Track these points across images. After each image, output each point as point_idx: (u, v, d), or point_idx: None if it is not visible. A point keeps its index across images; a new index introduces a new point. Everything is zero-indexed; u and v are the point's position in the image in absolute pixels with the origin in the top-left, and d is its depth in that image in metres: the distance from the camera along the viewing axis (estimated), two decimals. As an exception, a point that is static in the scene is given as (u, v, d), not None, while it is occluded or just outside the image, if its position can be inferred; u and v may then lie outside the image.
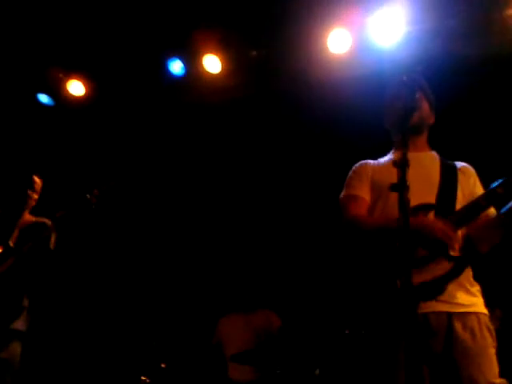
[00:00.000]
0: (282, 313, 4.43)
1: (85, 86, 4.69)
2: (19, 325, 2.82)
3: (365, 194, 2.16)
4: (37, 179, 3.04)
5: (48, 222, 2.99)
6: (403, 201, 1.60)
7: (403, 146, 1.77)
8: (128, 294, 4.79)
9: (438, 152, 2.26)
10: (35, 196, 3.05)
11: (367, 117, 3.01)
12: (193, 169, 5.05)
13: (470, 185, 2.11)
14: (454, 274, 1.92)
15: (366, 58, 4.14)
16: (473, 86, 3.98)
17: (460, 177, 2.11)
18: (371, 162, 2.29)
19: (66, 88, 4.67)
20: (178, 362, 4.09)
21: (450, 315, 1.91)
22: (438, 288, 1.90)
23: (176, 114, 4.79)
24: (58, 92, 4.69)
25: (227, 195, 5.11)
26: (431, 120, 2.26)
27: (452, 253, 1.92)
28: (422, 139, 2.23)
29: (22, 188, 2.99)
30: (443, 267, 1.91)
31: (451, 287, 1.92)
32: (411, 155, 2.05)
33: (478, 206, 1.95)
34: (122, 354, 4.31)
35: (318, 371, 3.64)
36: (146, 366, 3.93)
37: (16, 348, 2.79)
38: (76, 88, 4.71)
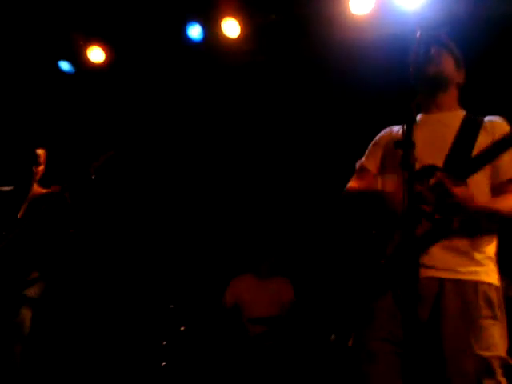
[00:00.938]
0: (295, 280, 4.43)
1: (105, 52, 4.69)
2: (31, 292, 2.90)
3: (372, 164, 2.16)
4: (40, 152, 3.07)
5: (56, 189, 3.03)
6: (406, 158, 1.55)
7: (413, 102, 1.70)
8: (142, 259, 4.86)
9: (474, 110, 2.12)
10: (40, 168, 3.09)
11: (390, 79, 2.92)
12: (211, 133, 5.02)
13: (494, 137, 1.93)
14: (437, 236, 1.81)
15: (389, 19, 4.00)
16: (498, 48, 3.80)
17: (481, 133, 1.97)
18: (394, 127, 2.22)
19: (86, 55, 4.69)
20: (196, 325, 4.15)
21: (442, 281, 1.82)
22: (429, 250, 1.82)
23: (196, 79, 4.75)
24: (78, 59, 4.72)
25: (247, 161, 5.09)
26: (457, 78, 2.14)
27: (437, 214, 1.80)
28: (448, 97, 2.11)
29: (26, 164, 3.05)
30: (427, 227, 1.80)
31: (444, 250, 1.83)
32: (432, 117, 2.05)
33: (489, 152, 1.85)
34: (140, 319, 4.39)
35: (333, 336, 3.64)
36: (166, 330, 3.99)
37: (27, 313, 2.88)
38: (96, 55, 4.72)
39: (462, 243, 1.86)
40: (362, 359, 1.86)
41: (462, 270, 1.83)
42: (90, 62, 4.70)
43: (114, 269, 4.74)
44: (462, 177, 1.84)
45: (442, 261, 1.83)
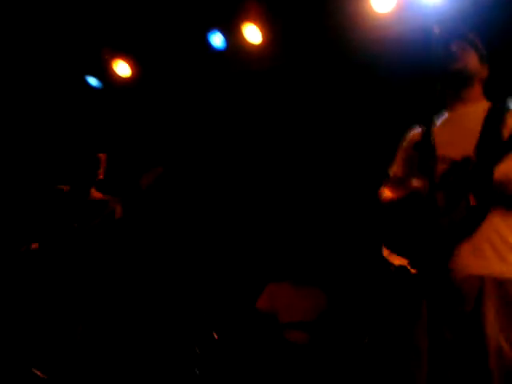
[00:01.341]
0: (329, 292, 4.39)
1: (130, 66, 4.78)
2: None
3: (399, 170, 2.15)
4: (102, 156, 3.15)
5: (112, 201, 3.11)
6: (424, 160, 1.52)
7: (435, 101, 1.68)
8: (177, 266, 4.90)
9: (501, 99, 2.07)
10: (100, 173, 3.16)
11: (415, 77, 2.88)
12: (238, 141, 5.03)
13: None
14: (474, 225, 1.77)
15: (411, 16, 3.93)
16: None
17: (509, 120, 1.92)
18: (418, 127, 2.19)
19: (112, 69, 4.79)
20: (230, 332, 4.16)
21: (483, 279, 1.78)
22: (466, 240, 1.77)
23: (221, 87, 4.77)
24: (105, 74, 4.82)
25: (277, 166, 5.07)
26: (482, 72, 2.10)
27: (472, 201, 1.77)
28: (472, 92, 2.08)
29: (87, 167, 3.11)
30: (463, 216, 1.76)
31: (483, 239, 1.79)
32: (456, 112, 2.00)
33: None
34: (174, 326, 4.43)
35: (367, 339, 3.59)
36: (199, 337, 4.02)
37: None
38: (122, 69, 4.81)
39: (496, 240, 1.82)
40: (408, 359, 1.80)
41: (502, 262, 1.80)
42: (117, 76, 4.80)
43: (150, 276, 4.80)
44: (495, 160, 1.79)
45: (483, 253, 1.80)
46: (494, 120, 1.94)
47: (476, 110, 2.02)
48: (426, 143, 1.54)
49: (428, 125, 1.57)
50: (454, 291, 1.79)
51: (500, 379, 1.68)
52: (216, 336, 3.99)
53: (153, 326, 4.47)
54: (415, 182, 1.78)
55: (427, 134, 1.56)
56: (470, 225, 1.78)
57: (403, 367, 1.82)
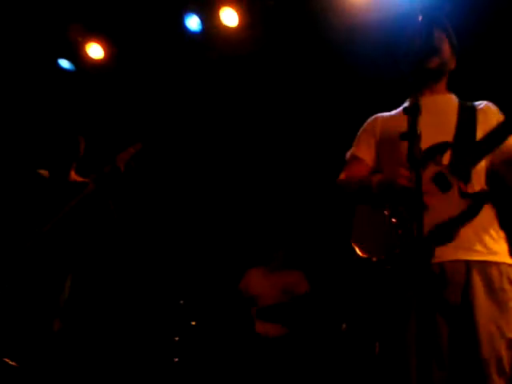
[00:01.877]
0: (310, 274, 4.41)
1: (103, 48, 4.65)
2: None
3: (366, 154, 2.13)
4: (81, 140, 3.07)
5: (92, 182, 3.02)
6: (412, 150, 1.50)
7: (416, 91, 1.66)
8: (154, 254, 4.86)
9: (457, 94, 2.12)
10: (80, 155, 3.09)
11: (387, 63, 2.87)
12: (213, 123, 4.97)
13: (492, 122, 1.94)
14: (470, 214, 1.78)
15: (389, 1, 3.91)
16: (498, 26, 3.71)
17: (480, 116, 1.97)
18: (385, 114, 2.20)
19: (85, 51, 4.65)
20: (207, 319, 4.15)
21: (468, 264, 1.80)
22: (453, 230, 1.78)
23: (197, 70, 4.69)
24: (77, 56, 4.67)
25: (255, 151, 5.04)
26: (452, 64, 2.12)
27: (470, 189, 1.80)
28: (441, 84, 2.11)
29: (72, 151, 3.03)
30: (458, 206, 1.78)
31: (468, 230, 1.80)
32: (427, 99, 1.98)
33: (496, 134, 1.81)
34: (151, 315, 4.40)
35: (345, 326, 3.62)
36: (177, 324, 4.00)
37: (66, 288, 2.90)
38: (95, 51, 4.67)
39: (483, 223, 1.84)
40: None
41: (486, 250, 1.82)
42: (90, 58, 4.66)
43: (125, 265, 4.74)
44: (473, 161, 1.83)
45: (468, 240, 1.81)
46: (466, 119, 1.97)
47: (446, 101, 2.05)
48: (414, 133, 1.52)
49: (415, 114, 1.55)
50: (442, 279, 1.79)
51: (492, 366, 1.70)
52: (194, 323, 3.98)
53: (131, 315, 4.44)
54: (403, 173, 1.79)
55: (414, 124, 1.54)
56: (466, 214, 1.78)
57: (393, 359, 1.83)
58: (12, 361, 2.69)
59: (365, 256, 1.90)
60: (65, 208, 2.86)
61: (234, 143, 5.04)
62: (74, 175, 3.09)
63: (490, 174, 1.91)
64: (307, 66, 4.49)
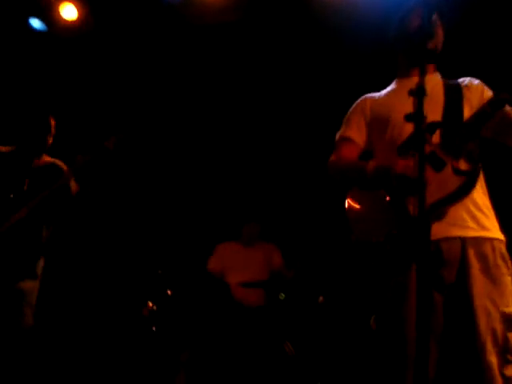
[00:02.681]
0: (283, 245, 4.46)
1: (77, 9, 4.46)
2: (38, 269, 2.85)
3: (356, 135, 2.14)
4: (52, 121, 2.96)
5: (63, 165, 2.94)
6: (419, 131, 1.54)
7: (420, 73, 1.69)
8: (134, 226, 4.82)
9: (441, 72, 2.16)
10: (51, 137, 2.98)
11: (375, 43, 2.88)
12: (192, 92, 4.87)
13: (478, 97, 2.00)
14: (464, 190, 1.85)
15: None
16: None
17: (465, 92, 2.02)
18: (375, 94, 2.21)
19: (58, 12, 4.46)
20: (183, 289, 4.17)
21: (463, 241, 1.86)
22: (448, 207, 1.84)
23: (177, 36, 4.56)
24: (50, 16, 4.47)
25: (228, 124, 4.99)
26: (441, 46, 2.13)
27: (462, 166, 1.85)
28: (432, 66, 2.14)
29: (41, 132, 2.91)
30: (453, 183, 1.84)
31: (462, 208, 1.86)
32: (412, 80, 2.00)
33: (484, 113, 1.86)
34: (128, 283, 4.39)
35: (321, 298, 3.71)
36: (153, 293, 4.01)
37: (33, 285, 2.83)
38: (69, 12, 4.49)
39: (476, 201, 1.90)
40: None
41: (479, 226, 1.88)
42: (63, 19, 4.47)
43: (107, 233, 4.69)
44: (465, 138, 1.88)
45: (462, 217, 1.86)
46: (453, 96, 2.01)
47: (432, 80, 2.06)
48: (420, 115, 1.56)
49: (421, 96, 1.58)
50: (438, 257, 1.86)
51: (488, 338, 1.78)
52: (170, 293, 3.99)
53: (108, 287, 4.41)
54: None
55: (420, 106, 1.57)
56: (460, 190, 1.84)
57: (391, 335, 1.89)
58: None
59: (363, 238, 1.95)
60: (32, 201, 2.78)
61: (213, 115, 4.97)
62: (45, 156, 2.99)
63: (483, 150, 1.97)
64: (292, 38, 4.43)
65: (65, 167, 2.93)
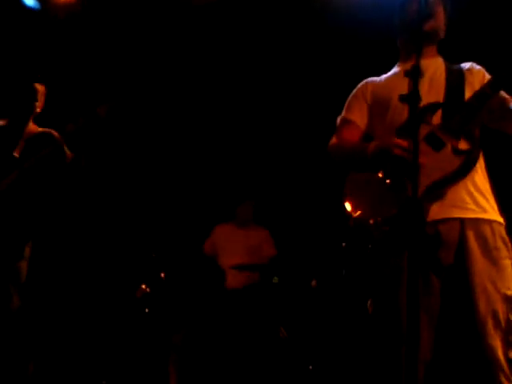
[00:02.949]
0: (274, 226, 4.45)
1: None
2: (26, 250, 2.82)
3: (358, 117, 2.14)
4: (39, 87, 2.90)
5: (55, 133, 2.90)
6: (414, 112, 1.51)
7: (416, 54, 1.66)
8: (127, 207, 4.79)
9: (444, 57, 2.14)
10: (39, 104, 2.92)
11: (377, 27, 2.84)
12: (187, 70, 4.80)
13: (479, 81, 1.99)
14: (464, 170, 1.83)
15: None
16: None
17: (467, 76, 2.01)
18: (376, 78, 2.20)
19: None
20: (177, 272, 4.17)
21: (463, 222, 1.85)
22: (446, 189, 1.83)
23: (172, 15, 4.48)
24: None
25: (225, 102, 4.94)
26: (443, 32, 2.11)
27: (462, 146, 1.83)
28: (432, 48, 2.11)
29: (26, 98, 2.85)
30: (452, 164, 1.82)
31: (461, 189, 1.85)
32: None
33: (483, 94, 1.84)
34: (122, 266, 4.39)
35: (314, 282, 3.71)
36: (146, 276, 4.00)
37: (23, 265, 2.80)
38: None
39: (475, 182, 1.89)
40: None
41: (479, 208, 1.87)
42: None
43: (100, 216, 4.67)
44: (465, 119, 1.86)
45: (461, 198, 1.85)
46: (454, 79, 2.00)
47: (434, 64, 2.05)
48: (415, 95, 1.53)
49: (416, 77, 1.55)
50: (436, 239, 1.84)
51: (489, 320, 1.77)
52: (163, 276, 3.99)
53: (101, 269, 4.40)
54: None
55: (415, 86, 1.54)
56: (459, 170, 1.82)
57: (386, 317, 1.88)
58: None
59: (361, 218, 1.93)
60: (25, 163, 2.74)
61: (208, 96, 4.91)
62: (32, 125, 2.93)
63: (482, 132, 1.96)
64: (292, 22, 4.36)
65: (57, 135, 2.88)
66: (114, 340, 3.89)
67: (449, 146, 1.83)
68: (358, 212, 1.94)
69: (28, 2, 4.44)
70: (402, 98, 1.57)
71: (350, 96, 2.20)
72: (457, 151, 1.83)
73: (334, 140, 2.18)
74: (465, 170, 1.83)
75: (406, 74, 1.59)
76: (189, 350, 3.79)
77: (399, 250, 1.81)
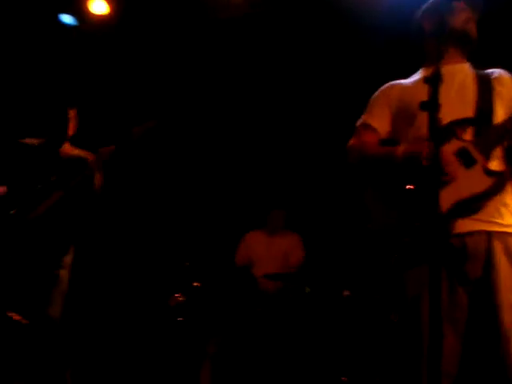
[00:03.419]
0: (306, 235, 4.42)
1: (108, 3, 4.52)
2: (67, 259, 2.90)
3: (378, 123, 2.07)
4: (71, 111, 2.99)
5: (90, 157, 2.97)
6: (433, 120, 1.47)
7: (437, 58, 1.63)
8: (162, 218, 4.86)
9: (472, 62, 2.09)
10: (72, 127, 3.01)
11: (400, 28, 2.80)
12: (216, 85, 4.87)
13: (509, 92, 1.94)
14: (494, 191, 1.79)
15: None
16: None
17: (495, 85, 1.95)
18: (402, 81, 2.13)
19: (88, 7, 4.53)
20: (210, 281, 4.19)
21: (490, 235, 1.80)
22: (475, 206, 1.78)
23: (202, 30, 4.56)
24: (80, 11, 4.55)
25: (256, 112, 4.97)
26: (473, 34, 2.04)
27: (493, 167, 1.80)
28: (460, 53, 2.05)
29: (60, 122, 2.95)
30: (483, 183, 1.78)
31: (491, 205, 1.80)
32: (446, 68, 1.94)
33: None
34: (156, 276, 4.45)
35: (346, 292, 3.66)
36: (180, 285, 4.04)
37: (64, 274, 2.88)
38: (99, 6, 4.55)
39: (503, 199, 1.85)
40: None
41: (508, 223, 1.83)
42: (93, 14, 4.54)
43: (135, 226, 4.76)
44: (497, 140, 1.84)
45: (488, 213, 1.82)
46: (484, 89, 1.94)
47: (462, 70, 2.01)
48: (434, 103, 1.49)
49: (436, 83, 1.52)
50: (463, 252, 1.80)
51: None
52: (197, 285, 4.02)
53: (136, 278, 4.48)
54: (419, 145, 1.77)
55: (435, 93, 1.51)
56: (490, 191, 1.78)
57: (409, 329, 1.84)
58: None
59: (381, 228, 1.89)
60: (61, 188, 2.82)
61: (239, 104, 4.96)
62: (68, 147, 3.00)
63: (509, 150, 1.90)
64: (312, 28, 4.36)
65: (90, 158, 2.95)
66: (149, 349, 3.94)
67: (480, 165, 1.80)
68: (380, 222, 1.90)
69: (65, 19, 4.61)
70: (422, 106, 1.53)
71: (373, 98, 2.13)
72: (488, 171, 1.80)
73: (353, 141, 2.11)
74: (495, 191, 1.80)
75: (426, 80, 1.56)
76: (222, 358, 3.80)
77: (421, 262, 1.77)
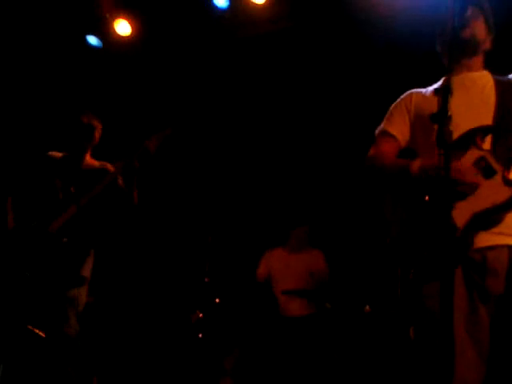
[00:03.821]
0: (328, 252, 4.38)
1: (131, 24, 4.64)
2: (85, 271, 2.95)
3: (397, 131, 2.04)
4: (96, 123, 3.06)
5: (110, 167, 3.04)
6: (442, 133, 1.46)
7: (449, 69, 1.61)
8: (183, 234, 4.89)
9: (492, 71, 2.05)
10: (94, 139, 3.08)
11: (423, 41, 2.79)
12: (241, 99, 4.92)
13: None
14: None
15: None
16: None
17: None
18: (421, 90, 2.10)
19: (113, 28, 4.65)
20: (230, 297, 4.19)
21: (511, 249, 1.75)
22: (495, 217, 1.73)
23: (223, 48, 4.65)
24: (105, 33, 4.68)
25: (278, 128, 4.99)
26: (487, 44, 2.03)
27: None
28: (477, 61, 2.03)
29: (82, 135, 3.02)
30: (503, 194, 1.72)
31: (510, 216, 1.74)
32: (462, 76, 1.94)
33: None
34: (176, 292, 4.46)
35: (368, 307, 3.61)
36: (200, 301, 4.05)
37: (82, 292, 2.92)
38: (123, 27, 4.67)
39: None
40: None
41: None
42: (117, 35, 4.66)
43: (154, 241, 4.80)
44: None
45: (510, 226, 1.76)
46: (504, 93, 1.90)
47: (481, 78, 1.98)
48: (444, 115, 1.47)
49: (446, 95, 1.50)
50: (483, 267, 1.76)
51: None
52: (217, 301, 4.02)
53: (156, 295, 4.50)
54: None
55: (445, 106, 1.49)
56: (510, 200, 1.72)
57: (427, 344, 1.80)
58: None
59: (400, 241, 1.86)
60: (89, 193, 2.87)
61: (260, 117, 4.99)
62: (89, 159, 3.08)
63: None
64: (335, 43, 4.39)
65: (112, 169, 3.01)
66: (169, 365, 3.94)
67: (499, 175, 1.75)
68: (397, 232, 1.87)
69: (91, 41, 4.74)
70: (432, 118, 1.52)
71: (393, 106, 2.11)
72: (508, 182, 1.74)
73: (371, 152, 2.08)
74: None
75: (437, 92, 1.55)
76: (241, 374, 3.77)
77: (437, 276, 1.74)
